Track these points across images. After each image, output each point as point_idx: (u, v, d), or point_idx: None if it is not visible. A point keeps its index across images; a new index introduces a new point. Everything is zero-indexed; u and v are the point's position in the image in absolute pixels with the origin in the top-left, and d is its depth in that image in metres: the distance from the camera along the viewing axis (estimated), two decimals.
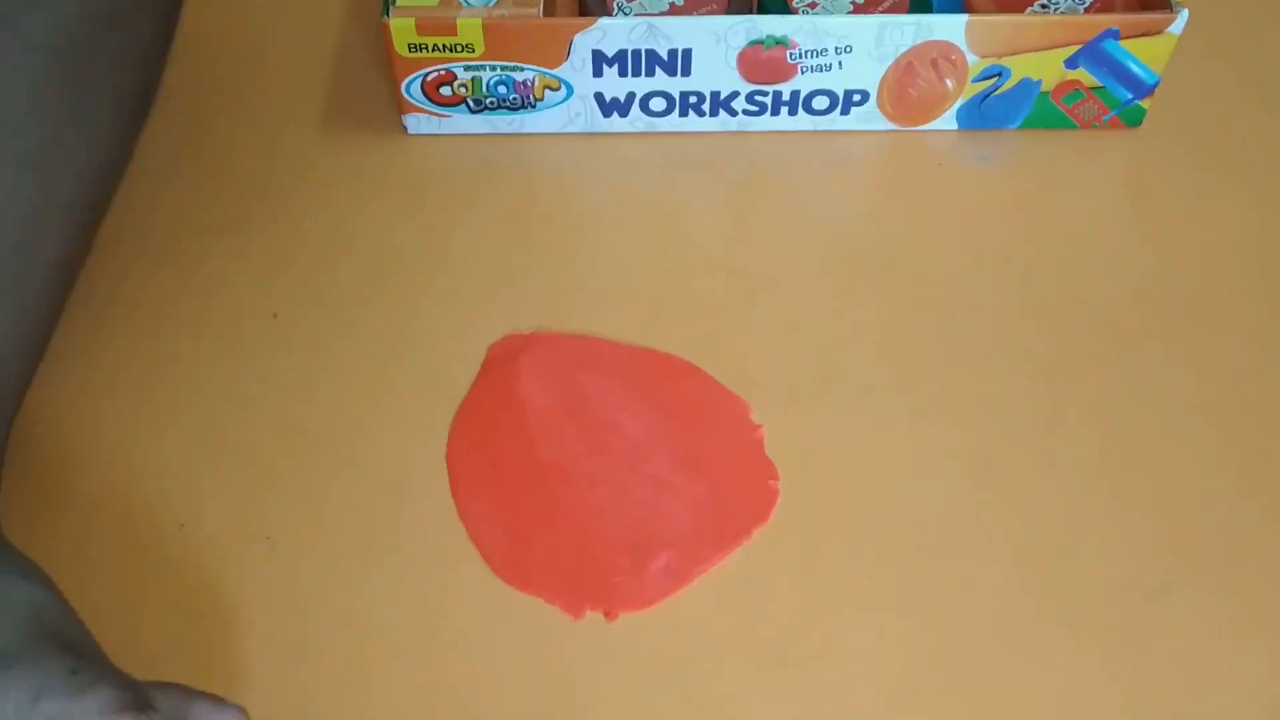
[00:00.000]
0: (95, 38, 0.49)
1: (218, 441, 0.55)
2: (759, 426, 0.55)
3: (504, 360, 0.58)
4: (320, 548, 0.52)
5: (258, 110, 0.68)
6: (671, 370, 0.58)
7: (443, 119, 0.65)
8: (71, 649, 0.40)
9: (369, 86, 0.68)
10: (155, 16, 0.53)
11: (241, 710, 0.41)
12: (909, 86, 0.63)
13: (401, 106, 0.64)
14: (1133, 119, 0.65)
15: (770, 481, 0.54)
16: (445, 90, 0.63)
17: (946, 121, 0.66)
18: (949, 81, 0.63)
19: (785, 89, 0.63)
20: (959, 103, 0.65)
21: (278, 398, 0.57)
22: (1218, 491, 0.53)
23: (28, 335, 0.48)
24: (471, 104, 0.64)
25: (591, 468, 0.54)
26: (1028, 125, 0.66)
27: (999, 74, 0.63)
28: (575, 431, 0.55)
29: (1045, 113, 0.65)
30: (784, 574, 0.51)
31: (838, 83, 0.63)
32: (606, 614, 0.50)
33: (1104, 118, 0.65)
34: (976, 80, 0.63)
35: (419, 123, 0.65)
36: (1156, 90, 0.63)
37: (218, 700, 0.41)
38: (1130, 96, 0.64)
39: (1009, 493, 0.53)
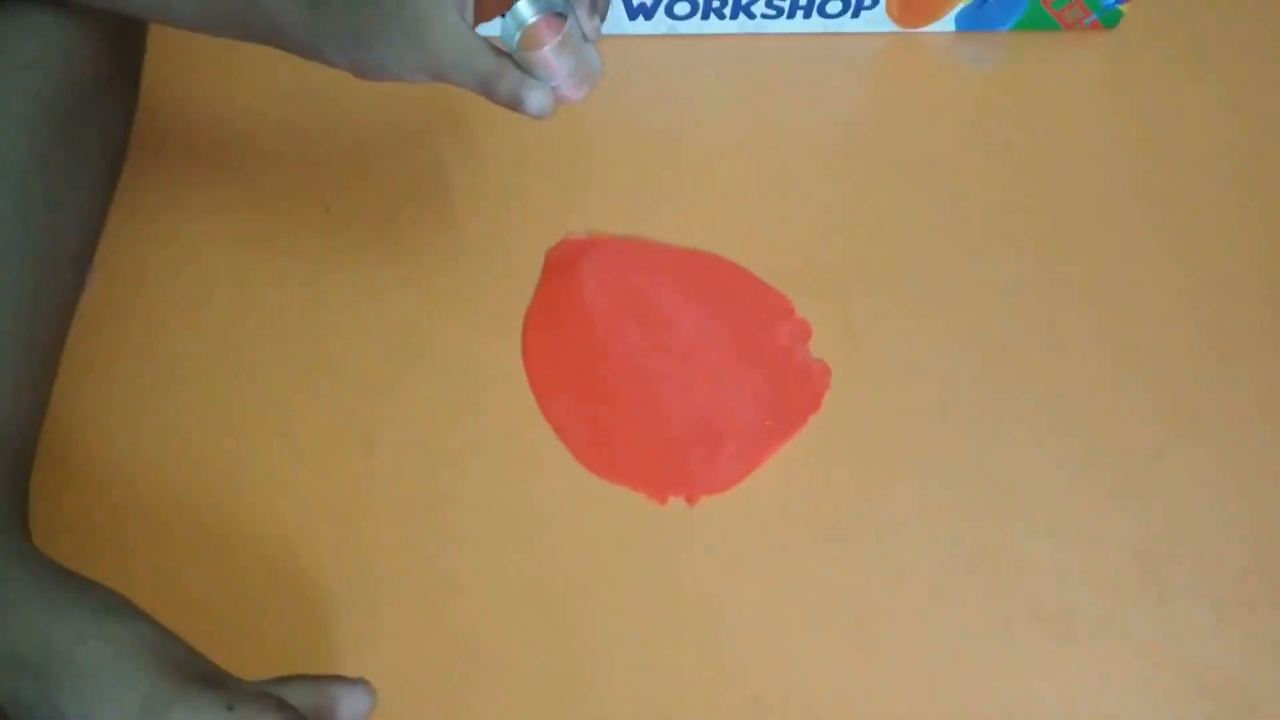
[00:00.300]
0: (89, 98, 0.52)
1: (301, 344, 0.58)
2: (804, 321, 0.60)
3: (564, 265, 0.61)
4: (413, 450, 0.56)
5: None
6: (718, 270, 0.62)
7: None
8: (206, 680, 0.38)
9: None
10: (130, 80, 0.57)
11: (367, 684, 0.41)
12: None
13: None
14: (1111, 21, 0.71)
15: (819, 373, 0.59)
16: None
17: (945, 24, 0.70)
18: None
19: None
20: (960, 6, 0.69)
21: (343, 301, 0.60)
22: (1204, 363, 0.61)
23: (42, 379, 0.50)
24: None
25: (657, 363, 0.59)
26: (1018, 27, 0.70)
27: None
28: (638, 330, 0.59)
29: (1034, 16, 0.70)
30: (838, 456, 0.57)
31: None
32: (688, 499, 0.55)
33: (1086, 20, 0.70)
34: None
35: None
36: None
37: (346, 681, 0.41)
38: (1112, 0, 0.69)
39: (1022, 370, 0.60)
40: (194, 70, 0.65)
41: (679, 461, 0.56)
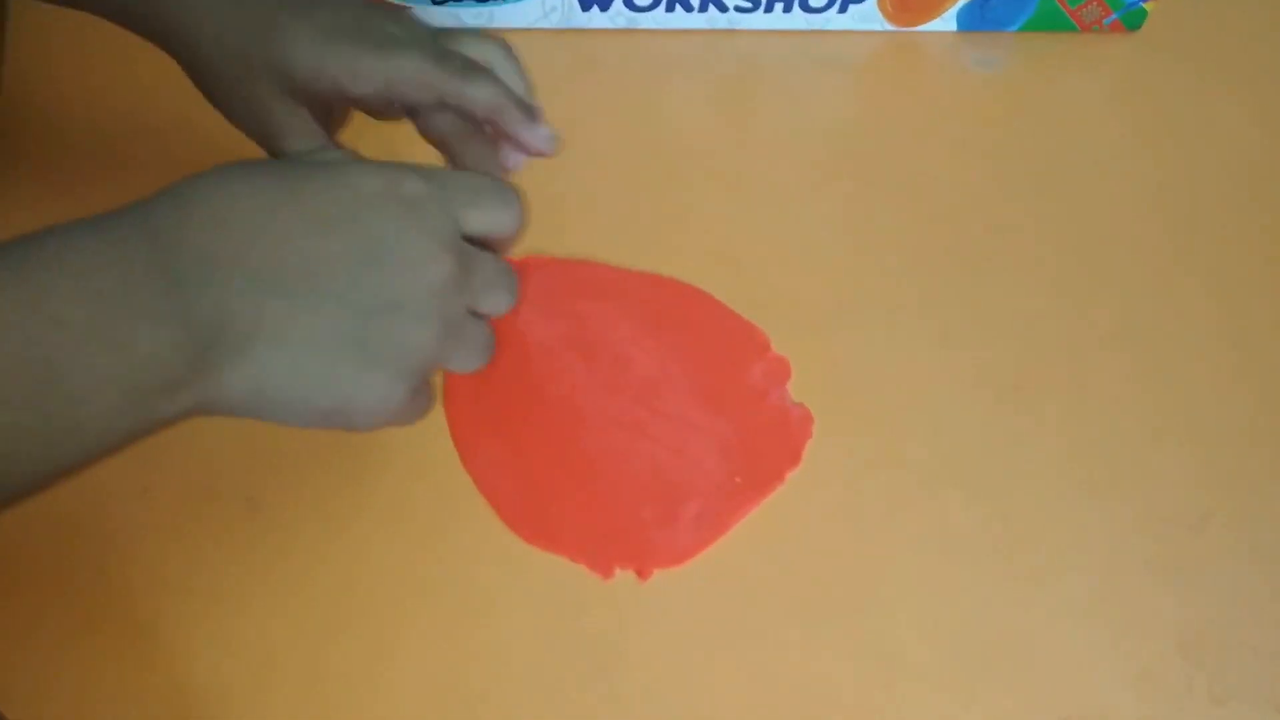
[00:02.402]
0: None
1: None
2: (782, 359, 0.51)
3: None
4: (310, 512, 0.46)
5: None
6: (680, 297, 0.53)
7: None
8: None
9: None
10: None
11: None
12: None
13: None
14: (1134, 22, 0.62)
15: (799, 419, 0.49)
16: None
17: (945, 22, 0.61)
18: None
19: None
20: (961, 3, 0.60)
21: None
22: (1251, 413, 0.51)
23: None
24: None
25: (606, 407, 0.49)
26: (1027, 28, 0.62)
27: None
28: (584, 367, 0.50)
29: (1047, 14, 0.61)
30: (820, 518, 0.48)
31: None
32: (639, 572, 0.46)
33: (1105, 20, 0.62)
34: None
35: None
36: None
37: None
38: None
39: (1041, 420, 0.51)
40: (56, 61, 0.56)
41: (628, 526, 0.47)
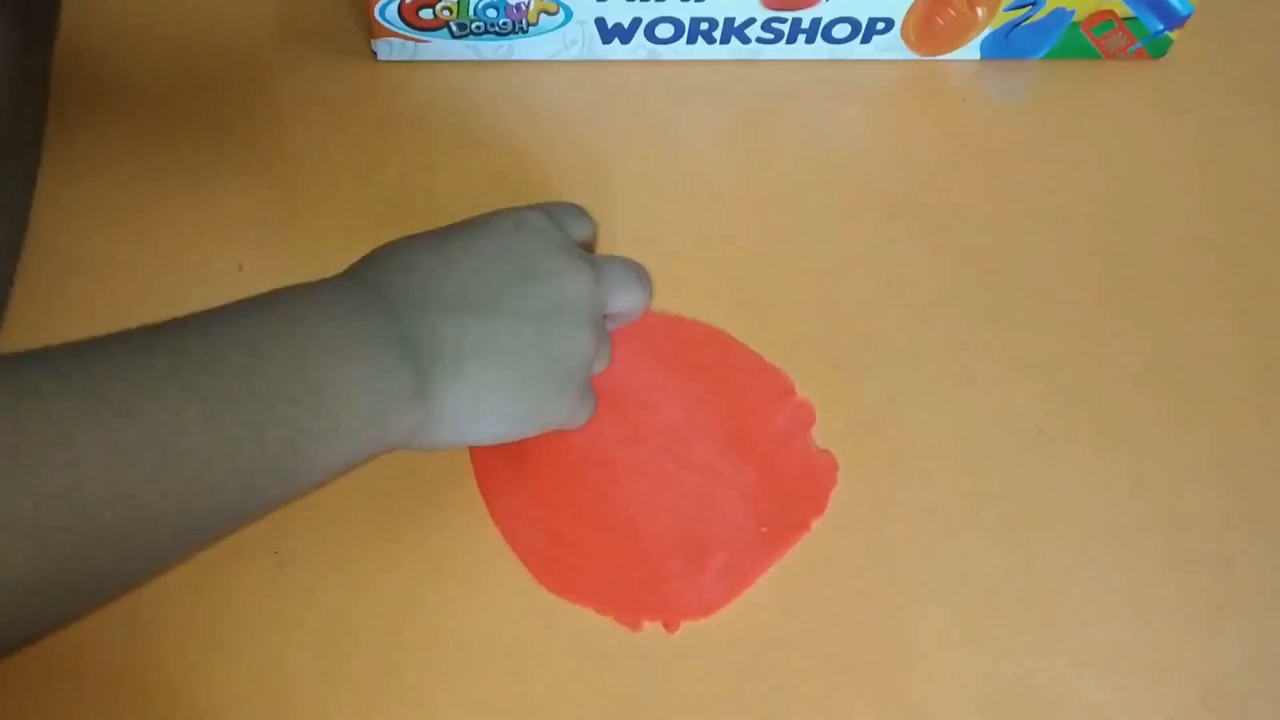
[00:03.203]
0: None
1: None
2: (807, 403, 0.51)
3: None
4: (338, 563, 0.46)
5: (199, 36, 0.58)
6: (703, 340, 0.52)
7: (419, 44, 0.57)
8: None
9: (327, 9, 0.59)
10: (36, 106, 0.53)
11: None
12: (938, 15, 0.58)
13: (373, 30, 0.56)
14: (1159, 50, 0.61)
15: (824, 466, 0.49)
16: (426, 13, 0.55)
17: (969, 52, 0.61)
18: (980, 11, 0.58)
19: (806, 15, 0.57)
20: (985, 32, 0.59)
21: None
22: (1275, 459, 0.51)
23: None
24: (455, 29, 0.56)
25: (632, 456, 0.49)
26: (1051, 56, 0.61)
27: (1032, 3, 0.58)
28: (608, 415, 0.50)
29: (1072, 43, 0.61)
30: (845, 566, 0.48)
31: (863, 9, 0.57)
32: (666, 625, 0.46)
33: (1130, 48, 0.61)
34: (1009, 9, 0.58)
35: (391, 48, 0.57)
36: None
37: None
38: (1161, 27, 0.60)
39: (1068, 462, 0.51)
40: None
41: (655, 579, 0.47)
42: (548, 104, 0.58)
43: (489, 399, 0.40)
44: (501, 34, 0.57)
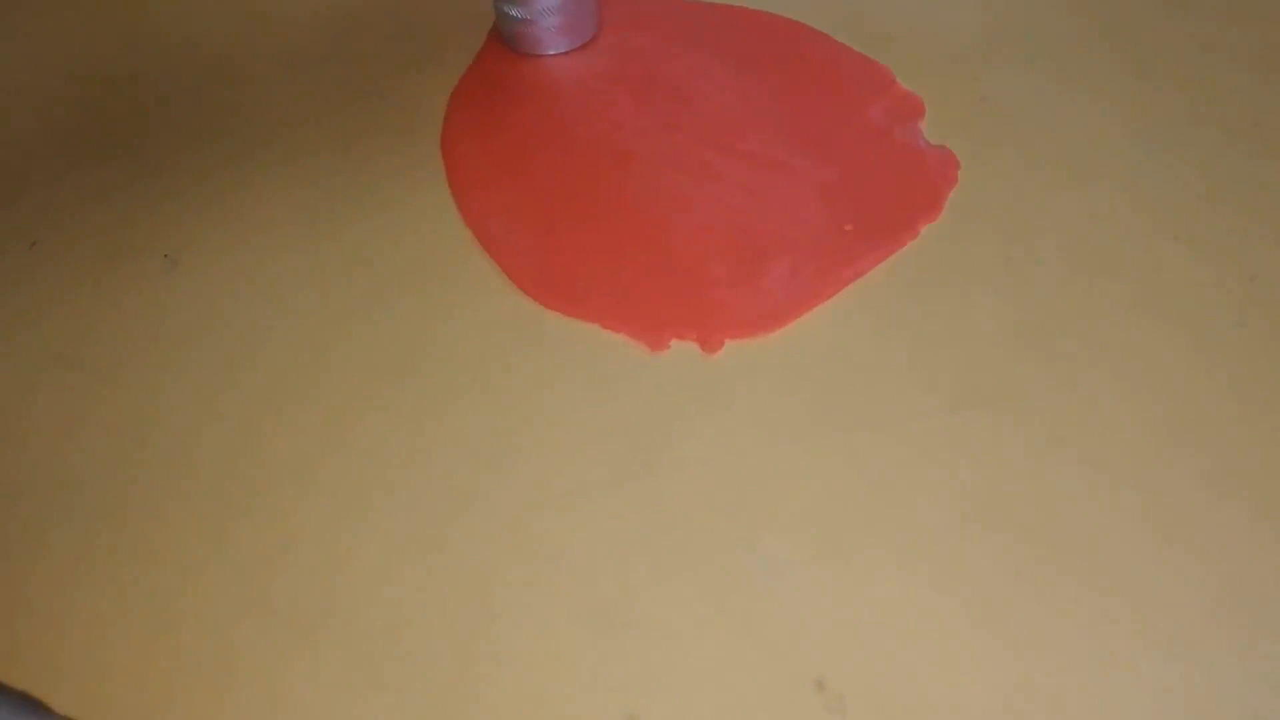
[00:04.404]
0: None
1: None
2: (912, 94, 0.36)
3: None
4: (243, 267, 0.33)
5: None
6: (773, 31, 0.38)
7: None
8: None
9: None
10: None
11: None
12: None
13: None
14: None
15: (939, 161, 0.34)
16: None
17: None
18: None
19: None
20: None
21: None
22: None
23: None
24: None
25: (659, 146, 0.35)
26: None
27: None
28: (630, 102, 0.36)
29: None
30: (956, 286, 0.32)
31: None
32: (703, 343, 0.31)
33: None
34: None
35: None
36: None
37: None
38: None
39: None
40: None
41: (689, 286, 0.32)
42: None
43: None
44: None
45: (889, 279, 0.32)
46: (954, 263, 0.32)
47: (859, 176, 0.34)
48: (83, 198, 0.36)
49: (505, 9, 0.37)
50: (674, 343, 0.31)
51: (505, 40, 0.38)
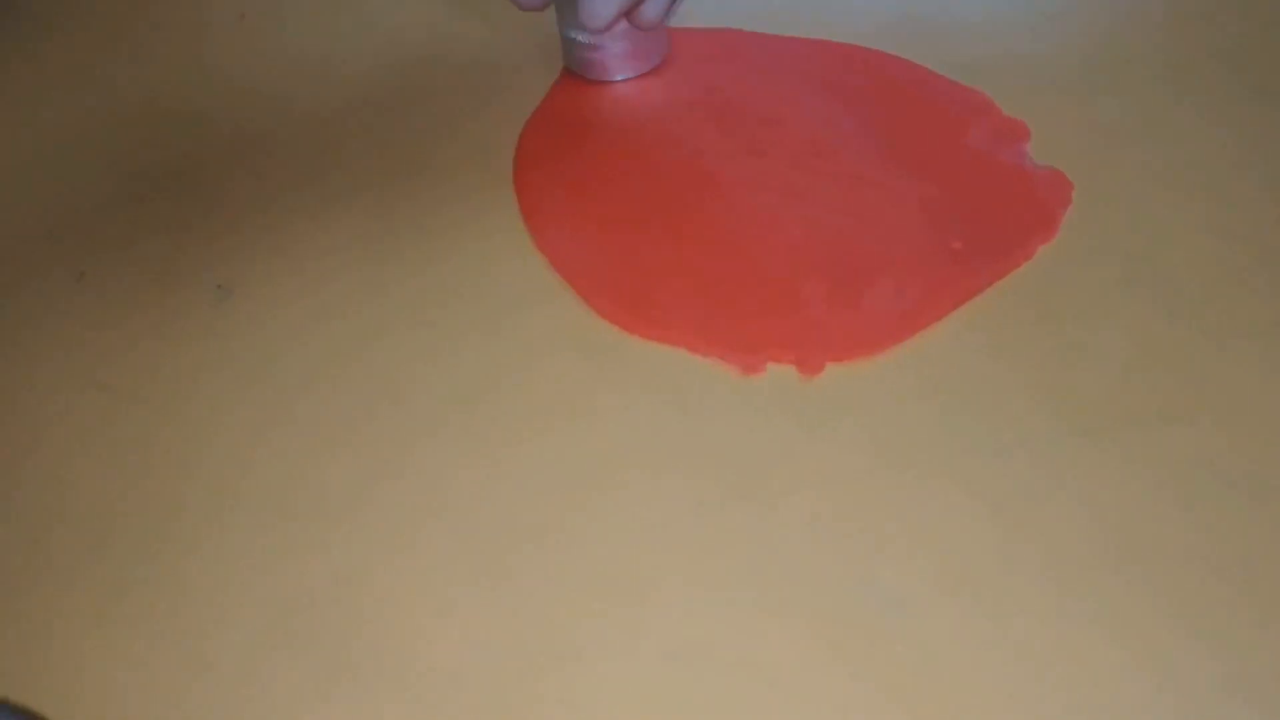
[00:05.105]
0: None
1: None
2: (1016, 120, 0.34)
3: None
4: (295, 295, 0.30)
5: None
6: (864, 62, 0.36)
7: None
8: None
9: None
10: None
11: None
12: None
13: None
14: None
15: (1051, 182, 0.32)
16: None
17: None
18: None
19: None
20: None
21: None
22: None
23: None
24: None
25: (743, 169, 0.33)
26: None
27: None
28: (715, 129, 0.34)
29: None
30: (1072, 310, 0.29)
31: None
32: (801, 366, 0.28)
33: None
34: None
35: None
36: None
37: None
38: None
39: None
40: None
41: (785, 307, 0.29)
42: None
43: None
44: None
45: (1002, 300, 0.29)
46: (1074, 284, 0.29)
47: (963, 195, 0.32)
48: (135, 229, 0.34)
49: (570, 35, 0.35)
50: (770, 365, 0.28)
51: (574, 68, 0.37)
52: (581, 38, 0.35)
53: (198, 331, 0.30)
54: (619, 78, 0.36)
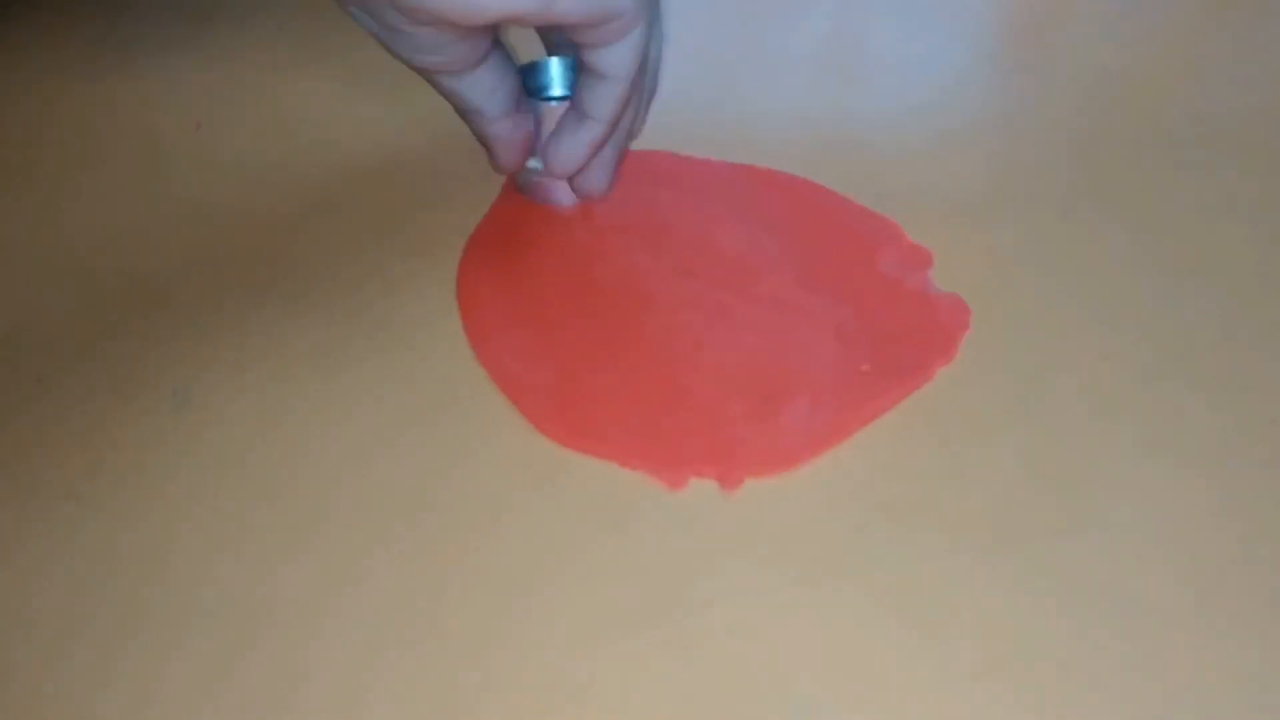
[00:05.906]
0: None
1: None
2: (921, 247, 0.37)
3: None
4: (251, 404, 0.32)
5: None
6: (784, 188, 0.40)
7: None
8: None
9: None
10: None
11: None
12: None
13: None
14: None
15: (951, 307, 0.35)
16: None
17: None
18: None
19: None
20: None
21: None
22: None
23: None
24: None
25: (676, 290, 0.35)
26: None
27: None
28: (645, 250, 0.37)
29: None
30: (974, 428, 0.32)
31: None
32: (722, 480, 0.30)
33: None
34: None
35: None
36: None
37: None
38: None
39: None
40: None
41: (708, 423, 0.32)
42: None
43: None
44: None
45: (906, 419, 0.32)
46: (970, 404, 0.32)
47: (873, 320, 0.34)
48: (92, 334, 0.36)
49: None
50: (692, 480, 0.31)
51: (521, 190, 0.39)
52: (533, 163, 0.37)
53: (153, 440, 0.32)
54: (566, 202, 0.38)
